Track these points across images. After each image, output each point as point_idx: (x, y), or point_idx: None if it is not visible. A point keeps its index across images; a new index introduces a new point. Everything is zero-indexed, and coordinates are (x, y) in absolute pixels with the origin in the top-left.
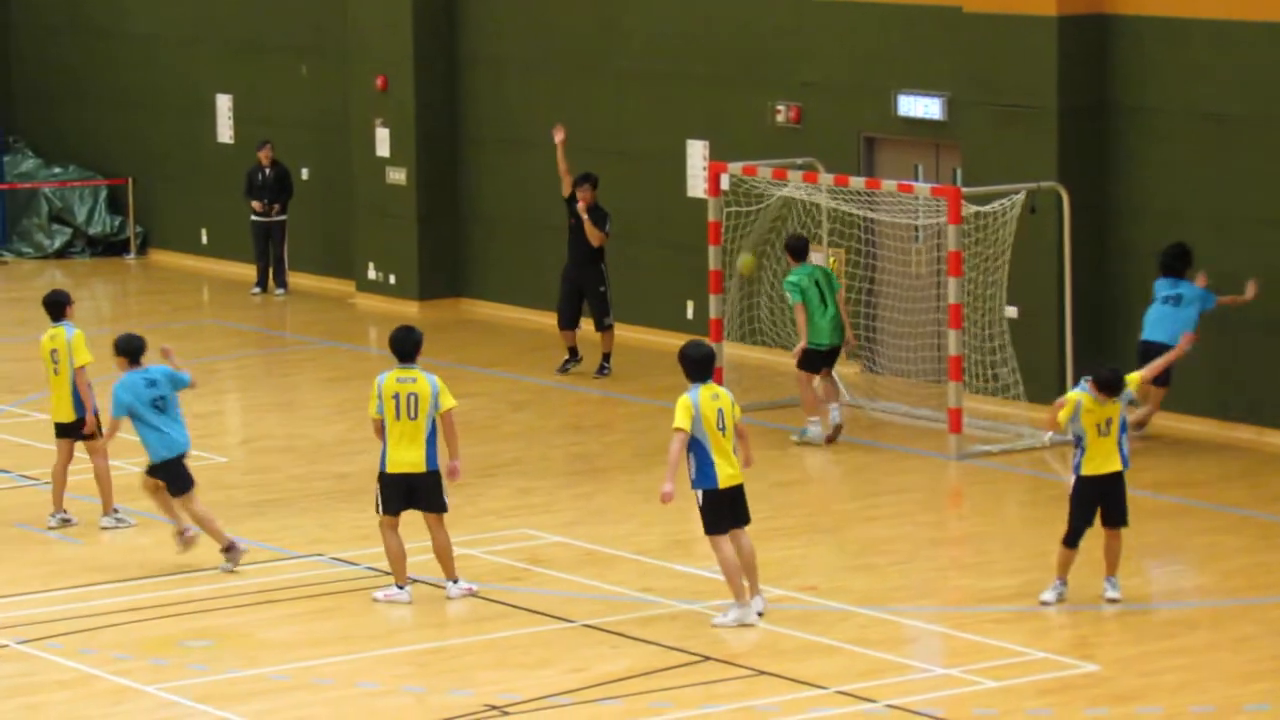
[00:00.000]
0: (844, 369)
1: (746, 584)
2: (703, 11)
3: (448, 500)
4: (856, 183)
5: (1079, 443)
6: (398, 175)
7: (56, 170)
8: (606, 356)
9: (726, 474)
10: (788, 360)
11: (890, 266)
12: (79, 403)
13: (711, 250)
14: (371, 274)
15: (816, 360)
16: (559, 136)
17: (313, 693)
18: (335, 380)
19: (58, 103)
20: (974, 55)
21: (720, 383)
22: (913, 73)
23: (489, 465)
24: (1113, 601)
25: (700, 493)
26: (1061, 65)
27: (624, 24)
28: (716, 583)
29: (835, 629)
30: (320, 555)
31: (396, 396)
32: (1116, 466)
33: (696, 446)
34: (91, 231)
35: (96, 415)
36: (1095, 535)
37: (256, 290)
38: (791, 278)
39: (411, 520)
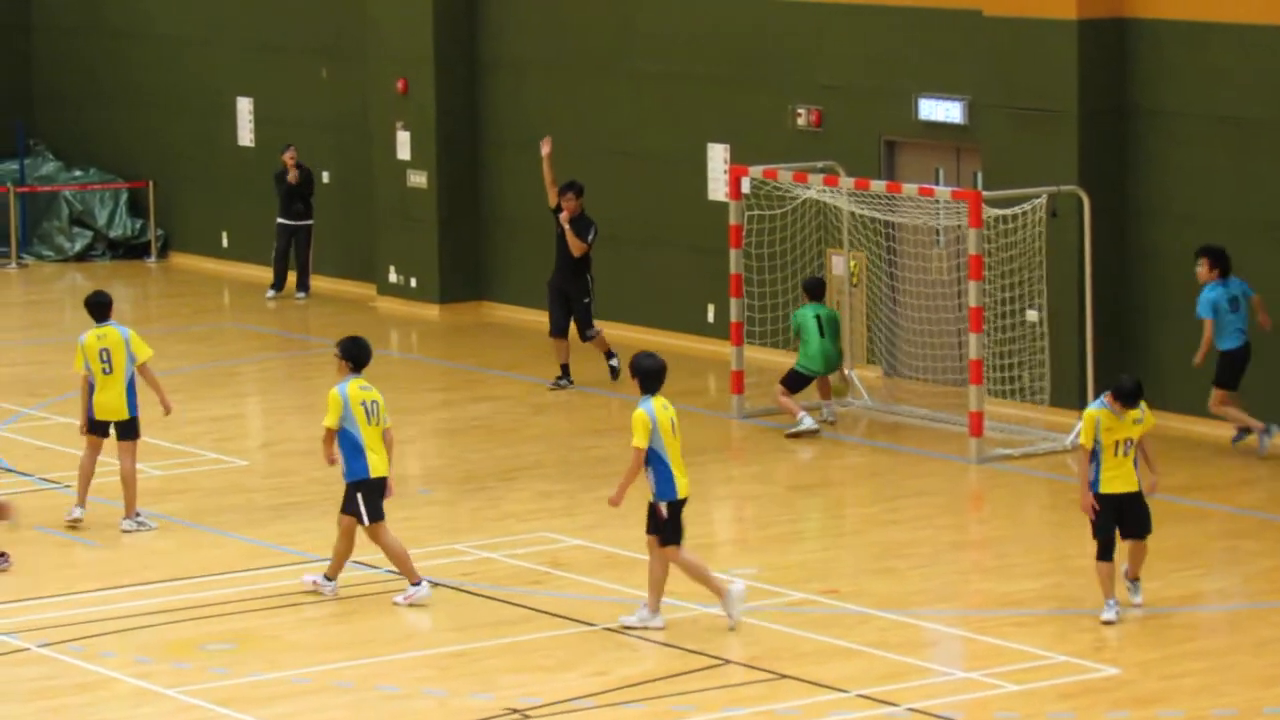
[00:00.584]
0: (863, 371)
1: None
2: (724, 15)
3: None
4: (877, 186)
5: (1095, 458)
6: (418, 178)
7: (77, 173)
8: (609, 354)
9: (683, 484)
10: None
11: (911, 270)
12: (133, 401)
13: (732, 253)
14: (393, 277)
15: (801, 383)
16: (546, 149)
17: (334, 696)
18: None
19: (78, 106)
20: (995, 59)
21: (741, 390)
22: (933, 76)
23: (510, 468)
24: (1134, 606)
25: (664, 505)
26: (1082, 69)
27: (644, 27)
28: None
29: (856, 632)
30: None
31: (364, 404)
32: (1133, 487)
33: (655, 460)
34: (112, 234)
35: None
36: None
37: (272, 293)
38: (798, 312)
39: (389, 521)
